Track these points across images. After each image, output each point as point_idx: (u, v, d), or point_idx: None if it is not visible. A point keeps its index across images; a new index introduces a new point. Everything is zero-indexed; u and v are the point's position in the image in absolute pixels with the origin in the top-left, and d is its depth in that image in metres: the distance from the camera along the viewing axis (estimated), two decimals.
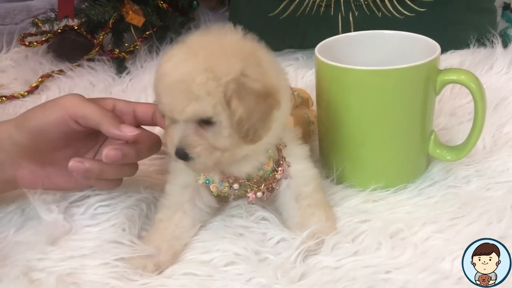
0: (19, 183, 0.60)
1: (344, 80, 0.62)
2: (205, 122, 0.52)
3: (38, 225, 0.61)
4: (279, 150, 0.59)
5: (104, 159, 0.56)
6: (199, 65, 0.50)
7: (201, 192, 0.60)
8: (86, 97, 0.60)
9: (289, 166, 0.59)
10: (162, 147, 0.75)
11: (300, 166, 0.60)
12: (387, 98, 0.61)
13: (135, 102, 0.65)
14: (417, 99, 0.63)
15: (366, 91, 0.61)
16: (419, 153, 0.66)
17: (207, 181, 0.59)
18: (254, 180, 0.59)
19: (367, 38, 0.71)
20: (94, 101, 0.60)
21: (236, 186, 0.58)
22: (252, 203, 0.60)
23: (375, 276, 0.51)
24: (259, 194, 0.59)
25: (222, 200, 0.63)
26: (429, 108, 0.65)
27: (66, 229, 0.60)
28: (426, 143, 0.66)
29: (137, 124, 0.63)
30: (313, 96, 0.77)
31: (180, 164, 0.60)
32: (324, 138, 0.69)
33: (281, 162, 0.59)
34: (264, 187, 0.59)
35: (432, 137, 0.66)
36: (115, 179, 0.62)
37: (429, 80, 0.62)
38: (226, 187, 0.59)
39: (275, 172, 0.59)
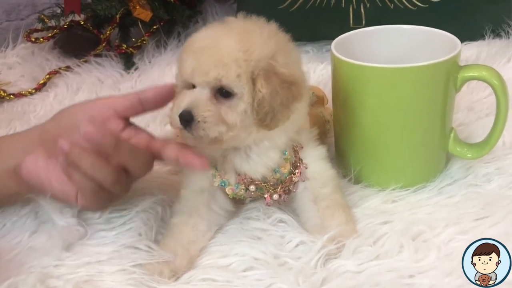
0: (21, 171, 0.58)
1: (362, 78, 0.61)
2: (223, 94, 0.52)
3: (52, 229, 0.60)
4: (295, 152, 0.58)
5: (82, 134, 0.52)
6: (233, 38, 0.52)
7: (216, 196, 0.59)
8: (95, 94, 0.59)
9: (306, 168, 0.58)
10: None
11: (317, 167, 0.59)
12: (406, 96, 0.60)
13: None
14: (437, 97, 0.61)
15: (385, 89, 0.60)
16: (439, 151, 0.65)
17: (222, 184, 0.58)
18: (271, 183, 0.58)
19: (384, 32, 0.69)
20: None
21: (252, 188, 0.57)
22: (269, 205, 0.59)
23: (399, 280, 0.50)
24: (275, 196, 0.58)
25: (238, 202, 0.62)
26: (449, 105, 0.63)
27: (81, 233, 0.59)
28: (446, 140, 0.65)
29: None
30: (327, 93, 0.75)
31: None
32: (340, 136, 0.67)
33: (298, 164, 0.58)
34: (281, 190, 0.58)
35: (452, 134, 0.65)
36: (100, 194, 0.56)
37: (449, 77, 0.61)
38: (242, 190, 0.58)
39: (292, 175, 0.58)
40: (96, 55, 1.07)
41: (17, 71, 1.06)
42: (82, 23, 1.10)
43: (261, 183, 0.57)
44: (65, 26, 1.09)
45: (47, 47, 1.11)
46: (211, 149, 0.56)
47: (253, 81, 0.51)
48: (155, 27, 1.09)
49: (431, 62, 0.58)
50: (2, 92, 0.97)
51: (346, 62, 0.61)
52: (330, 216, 0.57)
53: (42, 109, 0.95)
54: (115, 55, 1.07)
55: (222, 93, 0.52)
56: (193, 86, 0.53)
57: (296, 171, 0.57)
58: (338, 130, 0.67)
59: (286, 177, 0.58)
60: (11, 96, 0.98)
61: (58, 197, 0.58)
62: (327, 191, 0.58)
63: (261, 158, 0.56)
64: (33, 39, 1.08)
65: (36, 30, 1.11)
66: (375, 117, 0.62)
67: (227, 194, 0.59)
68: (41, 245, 0.58)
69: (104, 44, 1.07)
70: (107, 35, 1.07)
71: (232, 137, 0.52)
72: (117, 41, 1.09)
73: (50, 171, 0.57)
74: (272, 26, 0.55)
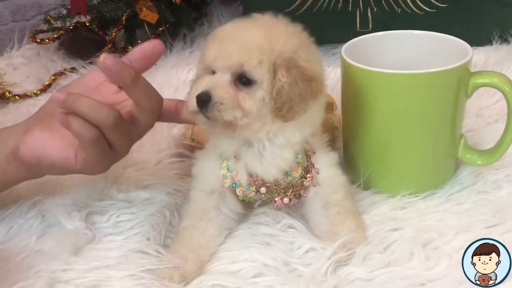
0: (19, 151, 0.57)
1: (373, 83, 0.60)
2: (243, 82, 0.52)
3: (60, 232, 0.60)
4: (308, 156, 0.58)
5: (100, 64, 0.51)
6: (258, 29, 0.53)
7: (226, 198, 0.59)
8: None
9: (318, 173, 0.58)
10: (182, 150, 0.75)
11: (329, 173, 0.58)
12: (417, 102, 0.60)
13: None
14: (448, 103, 0.61)
15: (396, 94, 0.60)
16: (449, 158, 0.65)
17: (233, 185, 0.57)
18: (282, 186, 0.57)
19: (394, 37, 0.68)
20: None
21: (263, 190, 0.57)
22: (279, 208, 0.59)
23: None
24: (285, 200, 0.58)
25: (247, 206, 0.62)
26: (460, 111, 0.63)
27: (89, 237, 0.58)
28: (456, 147, 0.64)
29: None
30: (334, 97, 0.75)
31: (203, 170, 0.59)
32: (349, 142, 0.67)
33: (310, 169, 0.57)
34: (291, 194, 0.58)
35: (462, 141, 0.65)
36: (101, 145, 0.54)
37: (461, 84, 0.61)
38: (253, 192, 0.58)
39: (304, 179, 0.57)
40: None
41: (22, 72, 1.05)
42: (87, 24, 1.09)
43: (272, 186, 0.57)
44: (71, 27, 1.09)
45: (52, 48, 1.11)
46: (225, 144, 0.56)
47: (274, 71, 0.52)
48: (160, 29, 1.09)
49: (443, 68, 0.58)
50: (7, 93, 0.97)
51: (357, 67, 0.61)
52: (340, 222, 0.57)
53: None
54: (120, 56, 1.07)
55: (242, 81, 0.52)
56: (214, 73, 0.54)
57: (308, 175, 0.57)
58: (347, 136, 0.67)
59: (298, 181, 0.57)
60: (16, 97, 0.97)
61: (57, 165, 0.57)
62: (338, 197, 0.58)
63: (275, 158, 0.56)
64: (38, 40, 1.08)
65: (42, 31, 1.10)
66: (386, 122, 0.61)
67: (237, 196, 0.58)
68: (48, 249, 0.57)
69: (109, 46, 1.07)
70: (113, 36, 1.07)
71: (246, 124, 0.52)
72: (122, 42, 1.09)
73: (46, 140, 0.57)
74: (297, 26, 0.56)
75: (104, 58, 0.51)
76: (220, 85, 0.52)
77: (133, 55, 0.56)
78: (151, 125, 0.58)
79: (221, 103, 0.51)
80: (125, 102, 0.57)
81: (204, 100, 0.52)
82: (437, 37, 0.67)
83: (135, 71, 0.52)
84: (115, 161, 0.58)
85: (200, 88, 0.53)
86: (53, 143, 0.56)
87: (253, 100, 0.52)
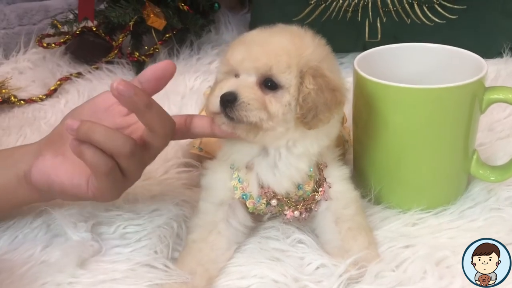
0: (31, 175, 0.56)
1: (386, 97, 0.59)
2: (268, 86, 0.52)
3: (65, 243, 0.59)
4: (320, 170, 0.57)
5: (113, 89, 0.49)
6: (286, 36, 0.53)
7: (236, 210, 0.58)
8: None
9: (330, 187, 0.57)
10: (190, 160, 0.74)
11: (340, 187, 0.57)
12: (431, 116, 0.59)
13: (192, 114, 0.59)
14: (462, 118, 0.60)
15: (410, 109, 0.59)
16: (461, 174, 0.64)
17: (244, 196, 0.57)
18: (293, 200, 0.57)
19: (407, 50, 0.68)
20: None
21: (274, 202, 0.56)
22: (289, 221, 0.58)
23: None
24: (296, 213, 0.57)
25: (256, 218, 0.61)
26: (473, 127, 0.62)
27: (95, 249, 0.57)
28: (469, 163, 0.64)
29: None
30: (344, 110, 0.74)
31: (213, 181, 0.58)
32: (360, 155, 0.66)
33: (322, 183, 0.56)
34: (302, 207, 0.57)
35: (475, 157, 0.64)
36: (114, 175, 0.53)
37: (475, 99, 0.60)
38: (263, 204, 0.57)
39: (315, 193, 0.56)
40: (108, 62, 1.06)
41: (28, 76, 1.05)
42: (94, 29, 1.09)
43: (283, 198, 0.56)
44: (77, 32, 1.08)
45: (58, 52, 1.10)
46: (240, 153, 0.55)
47: (301, 77, 0.52)
48: (168, 35, 1.08)
49: (459, 83, 0.57)
50: (12, 98, 0.97)
51: (370, 81, 0.60)
52: (351, 238, 0.56)
53: (53, 115, 0.93)
54: (127, 62, 1.06)
55: (267, 85, 0.52)
56: (237, 77, 0.53)
57: (320, 189, 0.56)
58: (358, 149, 0.66)
59: (309, 195, 0.56)
60: (22, 101, 0.97)
61: (68, 192, 0.56)
62: (350, 212, 0.57)
63: (289, 169, 0.55)
64: (44, 44, 1.07)
65: (48, 35, 1.10)
66: (398, 137, 0.60)
67: (247, 209, 0.58)
68: (54, 260, 0.56)
69: (116, 51, 1.06)
70: (119, 42, 1.06)
71: (270, 128, 0.52)
72: (129, 48, 1.08)
73: (58, 166, 0.56)
74: (319, 39, 0.56)
75: (118, 83, 0.49)
76: (247, 85, 0.52)
77: (144, 76, 0.54)
78: (163, 148, 0.56)
79: (248, 103, 0.51)
80: (135, 125, 0.55)
81: (229, 100, 0.51)
82: (451, 50, 0.66)
83: (148, 97, 0.51)
84: (127, 187, 0.57)
85: (224, 89, 0.52)
86: (65, 170, 0.55)
87: (279, 104, 0.52)
